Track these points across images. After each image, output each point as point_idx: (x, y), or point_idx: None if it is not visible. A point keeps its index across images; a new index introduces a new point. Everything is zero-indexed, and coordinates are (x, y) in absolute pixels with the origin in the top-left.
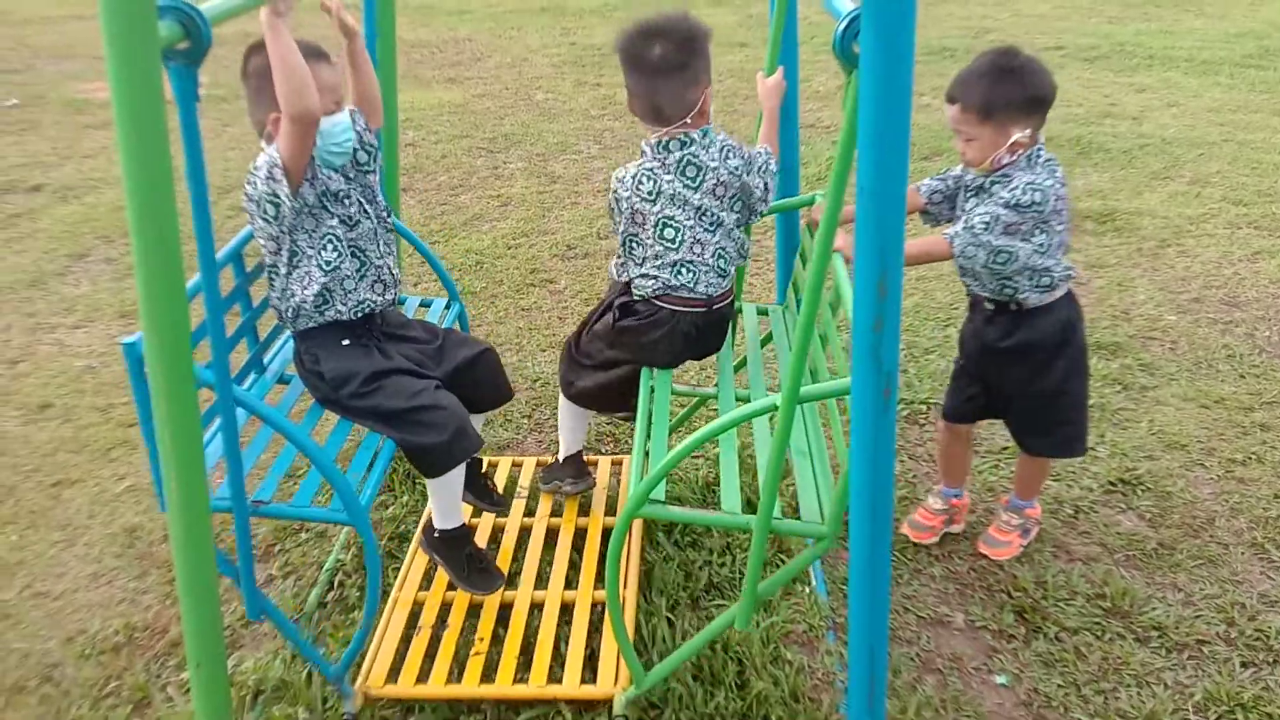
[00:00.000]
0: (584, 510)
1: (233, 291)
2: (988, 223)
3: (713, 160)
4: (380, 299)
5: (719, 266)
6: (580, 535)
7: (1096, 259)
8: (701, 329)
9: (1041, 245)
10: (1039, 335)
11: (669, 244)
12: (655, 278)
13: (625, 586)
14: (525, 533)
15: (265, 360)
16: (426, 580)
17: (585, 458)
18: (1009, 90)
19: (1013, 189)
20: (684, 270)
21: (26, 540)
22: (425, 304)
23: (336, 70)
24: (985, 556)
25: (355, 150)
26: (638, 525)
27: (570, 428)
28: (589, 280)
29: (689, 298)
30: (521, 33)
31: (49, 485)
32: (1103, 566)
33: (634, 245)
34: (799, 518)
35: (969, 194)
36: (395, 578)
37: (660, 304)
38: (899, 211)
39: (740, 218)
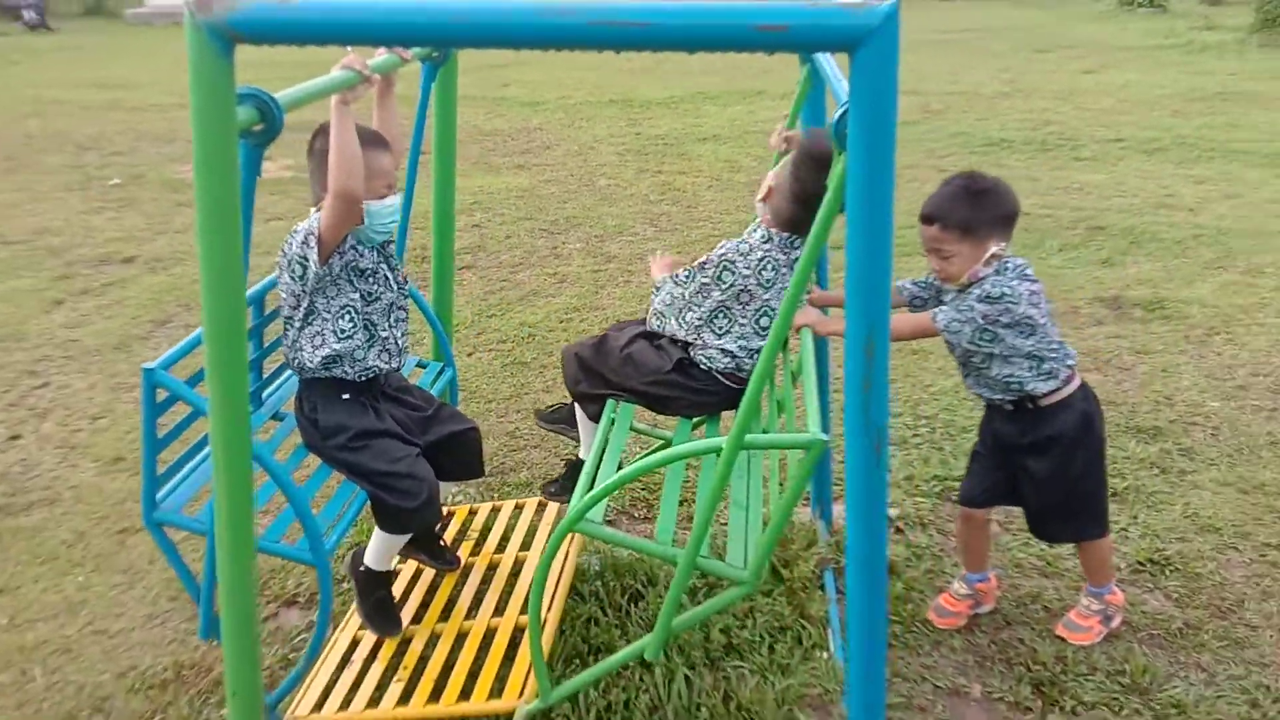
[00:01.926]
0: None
1: (248, 331)
2: (967, 307)
3: None
4: (386, 366)
5: None
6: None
7: (1142, 345)
8: (737, 399)
9: (1023, 331)
10: (1059, 429)
11: (761, 330)
12: (735, 357)
13: (553, 601)
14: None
15: (264, 395)
16: None
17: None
18: (984, 209)
19: (984, 287)
20: (756, 355)
21: (91, 581)
22: (422, 365)
23: (393, 158)
24: (1061, 639)
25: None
26: (576, 544)
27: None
28: None
29: (744, 375)
30: (590, 123)
31: (115, 532)
32: (1125, 644)
33: (721, 318)
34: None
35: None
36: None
37: (723, 379)
38: (885, 280)
39: None
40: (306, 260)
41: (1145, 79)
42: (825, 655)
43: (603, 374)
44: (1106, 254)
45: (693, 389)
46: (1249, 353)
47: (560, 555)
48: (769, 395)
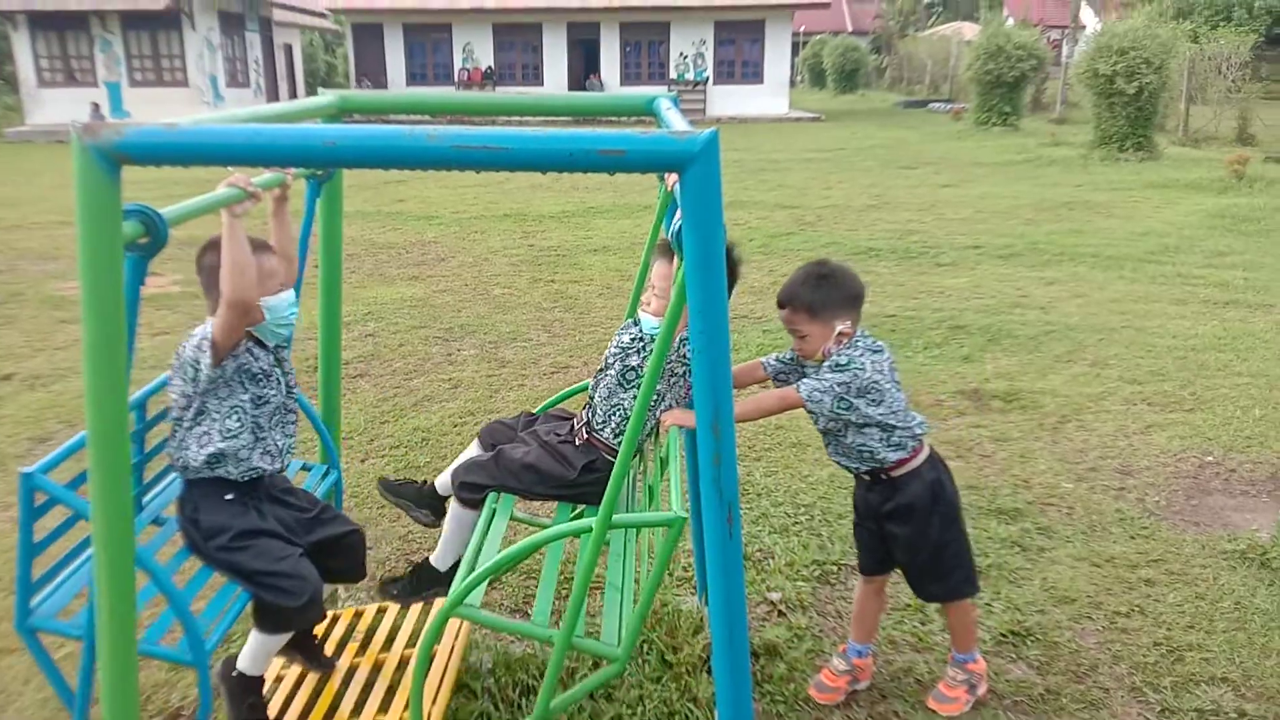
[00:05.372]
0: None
1: (130, 435)
2: (823, 377)
3: None
4: (269, 467)
5: None
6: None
7: (1001, 433)
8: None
9: (873, 399)
10: (911, 498)
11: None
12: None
13: (438, 695)
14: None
15: (145, 500)
16: None
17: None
18: (828, 292)
19: (833, 359)
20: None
21: None
22: (307, 468)
23: (280, 259)
24: (932, 711)
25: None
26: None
27: (463, 539)
28: None
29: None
30: (485, 236)
31: None
32: (991, 711)
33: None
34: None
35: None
36: None
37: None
38: (725, 368)
39: None
40: (199, 364)
41: (1000, 191)
42: None
43: (501, 481)
44: (967, 351)
45: (597, 486)
46: (1098, 437)
47: (445, 649)
48: (642, 481)
